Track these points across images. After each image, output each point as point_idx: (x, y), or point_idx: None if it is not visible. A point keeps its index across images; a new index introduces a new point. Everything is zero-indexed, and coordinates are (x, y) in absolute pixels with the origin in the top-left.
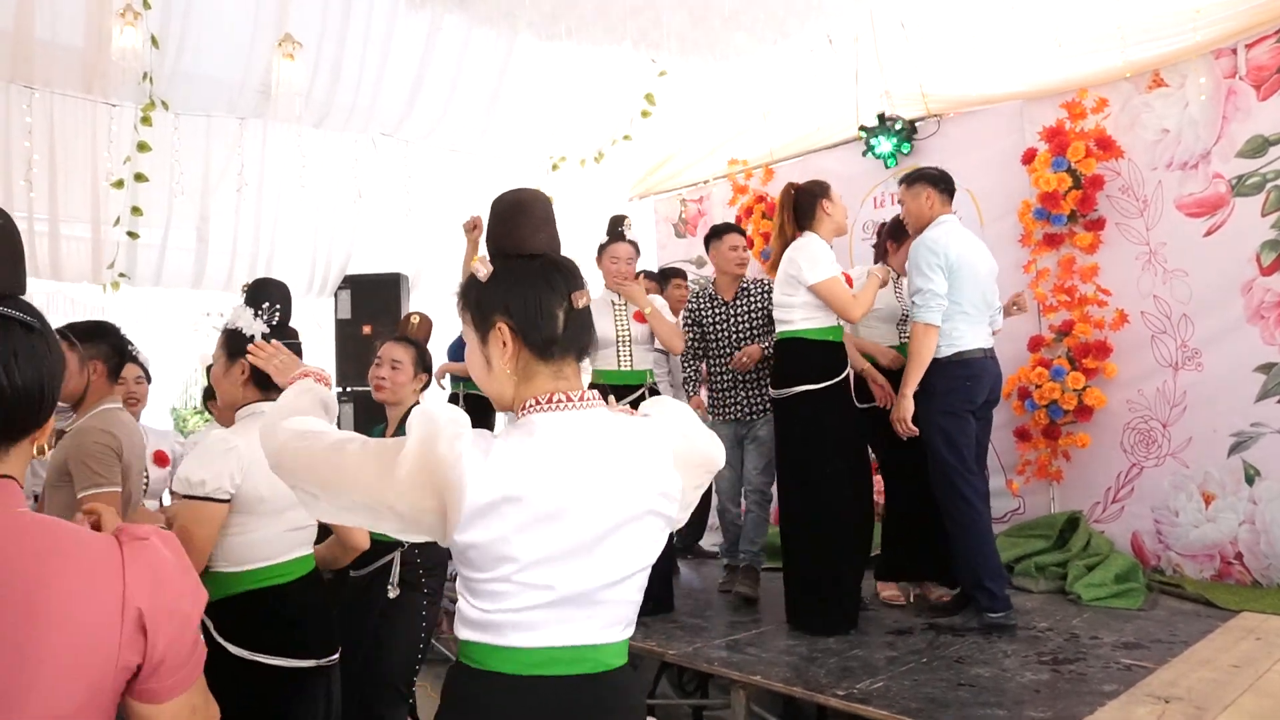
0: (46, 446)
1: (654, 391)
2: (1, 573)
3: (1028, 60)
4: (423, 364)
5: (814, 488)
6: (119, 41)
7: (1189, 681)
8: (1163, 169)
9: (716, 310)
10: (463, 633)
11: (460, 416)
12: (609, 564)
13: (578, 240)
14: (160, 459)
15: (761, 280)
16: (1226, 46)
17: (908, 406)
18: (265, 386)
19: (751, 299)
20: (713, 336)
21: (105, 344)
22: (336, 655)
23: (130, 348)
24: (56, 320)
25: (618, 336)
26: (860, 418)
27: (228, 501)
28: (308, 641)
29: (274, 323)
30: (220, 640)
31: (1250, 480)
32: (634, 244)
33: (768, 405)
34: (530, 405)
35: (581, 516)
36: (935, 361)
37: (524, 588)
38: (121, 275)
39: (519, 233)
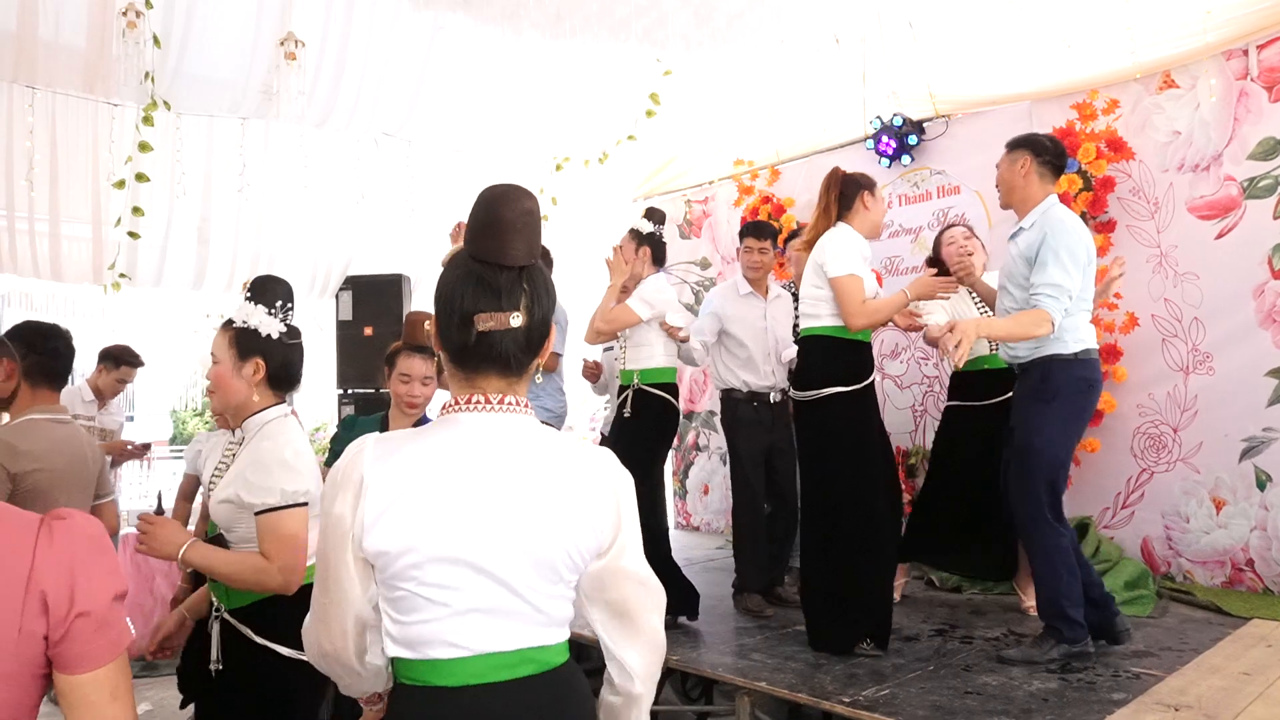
0: None
1: (639, 394)
2: None
3: (1036, 61)
4: (439, 370)
5: (842, 498)
6: (121, 41)
7: (1199, 689)
8: (1174, 171)
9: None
10: (390, 648)
11: (362, 437)
12: (525, 567)
13: (581, 240)
14: None
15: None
16: (1237, 47)
17: (973, 329)
18: (279, 387)
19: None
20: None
21: (20, 344)
22: None
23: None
24: (56, 320)
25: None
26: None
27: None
28: None
29: (289, 321)
30: (243, 629)
31: (1262, 486)
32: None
33: None
34: (449, 405)
35: (497, 516)
36: (1059, 360)
37: (438, 595)
38: (122, 276)
39: (474, 235)
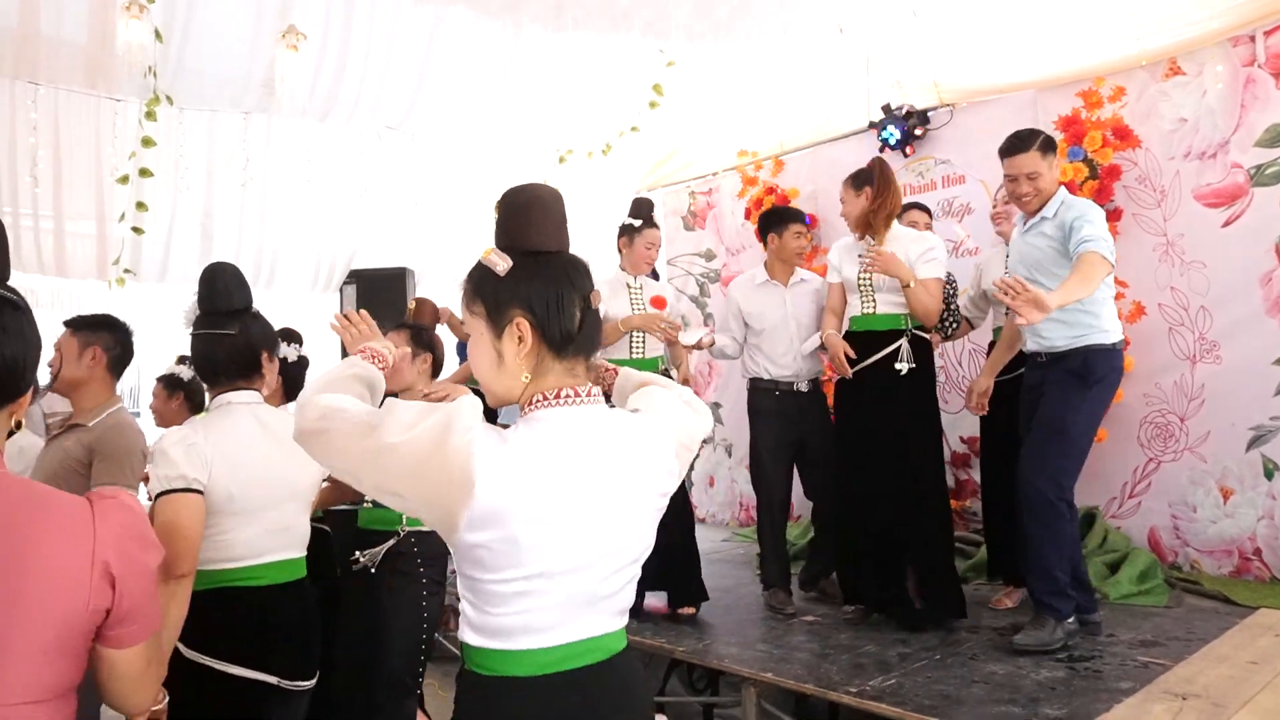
0: (24, 422)
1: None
2: None
3: (1041, 49)
4: (420, 343)
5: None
6: (123, 36)
7: (1206, 679)
8: (1180, 159)
9: None
10: (470, 638)
11: (476, 409)
12: (614, 557)
13: (587, 234)
14: None
15: None
16: (1244, 34)
17: (1046, 305)
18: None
19: None
20: None
21: (109, 334)
22: (308, 683)
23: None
24: (61, 317)
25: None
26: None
27: (203, 493)
28: (272, 655)
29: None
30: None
31: (1269, 475)
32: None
33: None
34: (538, 401)
35: (590, 512)
36: (1099, 349)
37: (535, 588)
38: (127, 271)
39: (536, 229)
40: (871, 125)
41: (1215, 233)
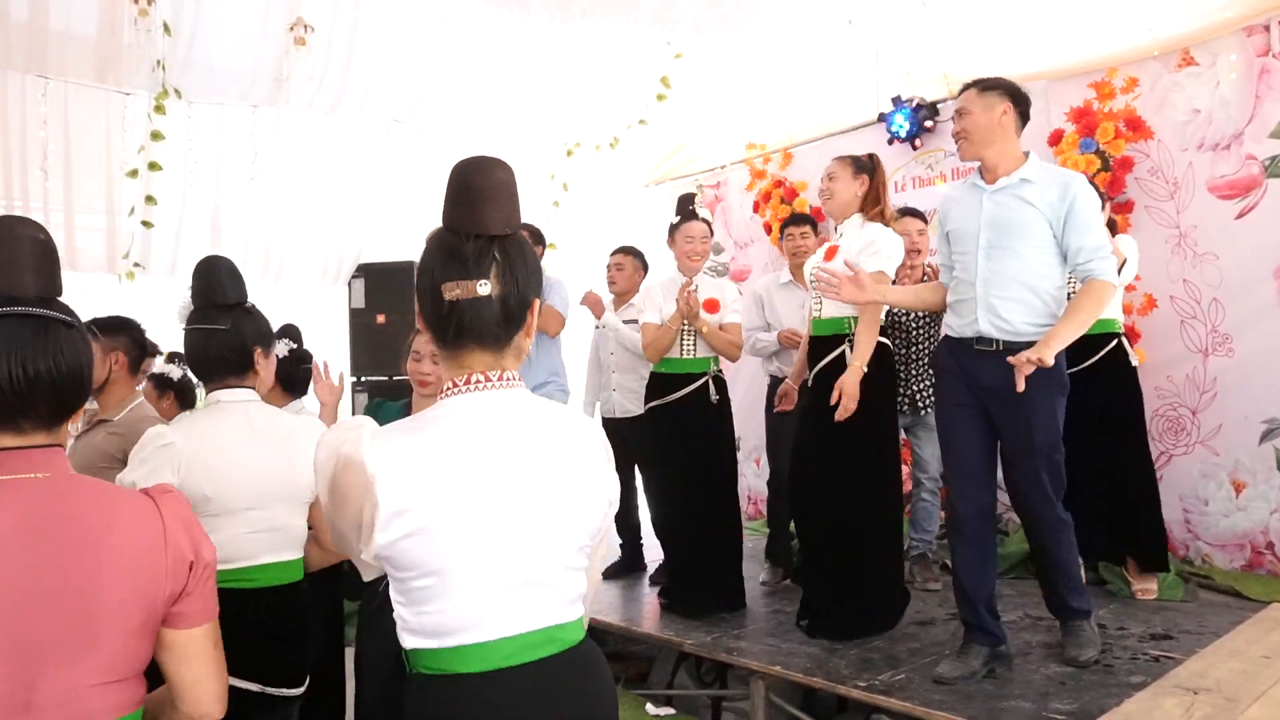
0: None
1: (718, 380)
2: (72, 523)
3: (1052, 39)
4: None
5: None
6: (132, 30)
7: (1218, 673)
8: (1193, 150)
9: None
10: (409, 641)
11: (361, 421)
12: (542, 543)
13: (595, 227)
14: None
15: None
16: (1258, 23)
17: (1044, 350)
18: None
19: None
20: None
21: (127, 337)
22: (297, 689)
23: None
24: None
25: (683, 324)
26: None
27: None
28: (259, 661)
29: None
30: None
31: None
32: (707, 222)
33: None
34: (447, 389)
35: (502, 496)
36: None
37: (455, 580)
38: (136, 265)
39: (447, 207)
40: (881, 117)
41: (1228, 225)
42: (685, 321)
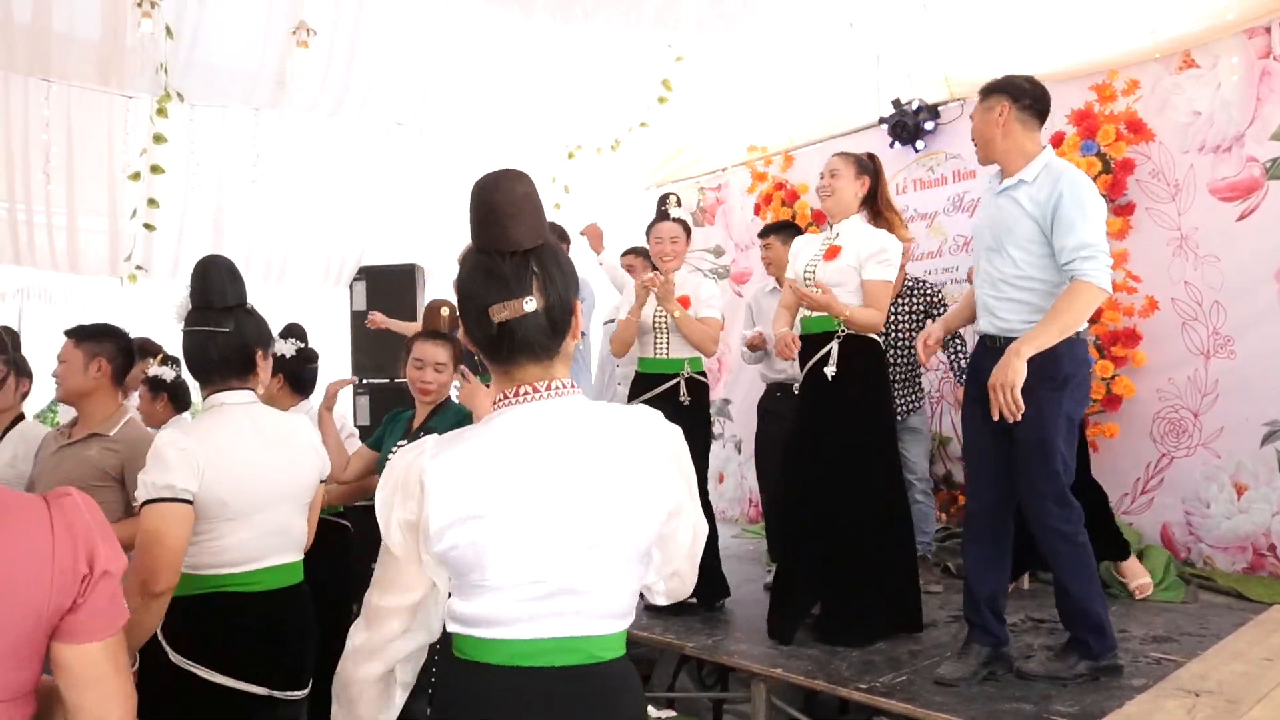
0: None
1: (691, 382)
2: None
3: (1053, 42)
4: (459, 358)
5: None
6: (134, 33)
7: (1220, 675)
8: (1194, 152)
9: None
10: (451, 626)
11: (421, 440)
12: (588, 551)
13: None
14: None
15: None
16: (1259, 25)
17: (1020, 371)
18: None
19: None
20: None
21: (112, 344)
22: (301, 691)
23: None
24: (74, 314)
25: (654, 323)
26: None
27: (191, 502)
28: (263, 664)
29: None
30: (162, 642)
31: None
32: (681, 222)
33: (922, 399)
34: (498, 402)
35: (549, 505)
36: (1070, 338)
37: (506, 584)
38: (138, 268)
39: (475, 227)
40: (882, 120)
41: (1230, 227)
42: (656, 314)
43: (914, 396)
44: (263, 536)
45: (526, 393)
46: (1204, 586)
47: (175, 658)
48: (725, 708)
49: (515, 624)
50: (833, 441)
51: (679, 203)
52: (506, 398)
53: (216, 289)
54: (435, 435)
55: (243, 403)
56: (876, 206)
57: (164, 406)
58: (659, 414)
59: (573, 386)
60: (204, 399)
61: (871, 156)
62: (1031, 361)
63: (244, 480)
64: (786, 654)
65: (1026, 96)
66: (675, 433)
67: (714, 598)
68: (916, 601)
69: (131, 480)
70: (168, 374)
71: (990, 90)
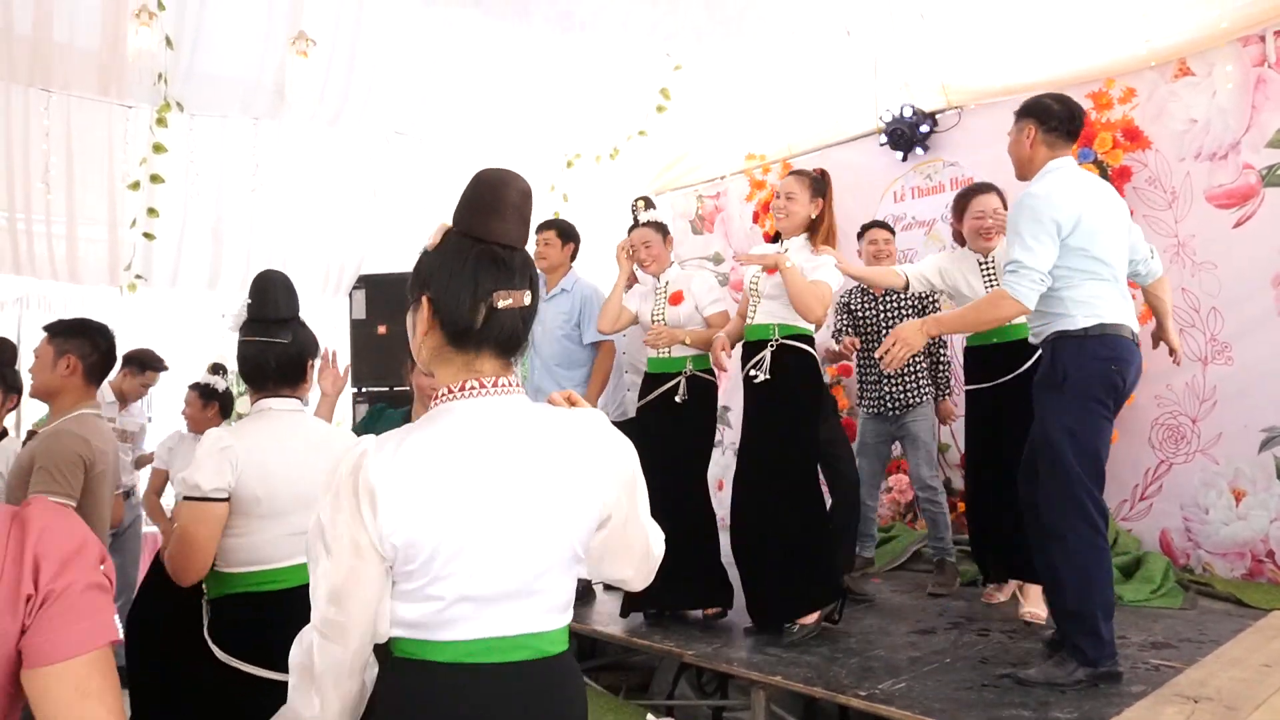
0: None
1: (694, 380)
2: None
3: (1050, 50)
4: None
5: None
6: (134, 43)
7: (1219, 681)
8: (1191, 160)
9: (867, 298)
10: (394, 631)
11: (358, 442)
12: (535, 550)
13: (595, 238)
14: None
15: None
16: (1254, 34)
17: (913, 333)
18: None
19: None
20: (863, 326)
21: (85, 341)
22: None
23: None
24: None
25: (653, 322)
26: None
27: (227, 500)
28: (287, 657)
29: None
30: (208, 641)
31: None
32: (654, 224)
33: (920, 399)
34: (443, 394)
35: (494, 504)
36: (1067, 336)
37: (457, 584)
38: (138, 277)
39: (477, 216)
40: (879, 128)
41: (1226, 234)
42: (655, 314)
43: (915, 396)
44: (294, 536)
45: (473, 387)
46: (1203, 593)
47: (220, 654)
48: (725, 715)
49: (464, 622)
50: (760, 439)
51: (647, 205)
52: (451, 391)
53: (273, 302)
54: (373, 435)
55: (290, 410)
56: (824, 223)
57: (214, 414)
58: (607, 422)
59: (518, 386)
60: (252, 404)
61: (823, 173)
62: (1043, 359)
63: (280, 480)
64: (786, 661)
65: (1054, 119)
66: (622, 443)
67: (727, 603)
68: (836, 580)
69: (34, 479)
70: (219, 383)
71: (1021, 113)
